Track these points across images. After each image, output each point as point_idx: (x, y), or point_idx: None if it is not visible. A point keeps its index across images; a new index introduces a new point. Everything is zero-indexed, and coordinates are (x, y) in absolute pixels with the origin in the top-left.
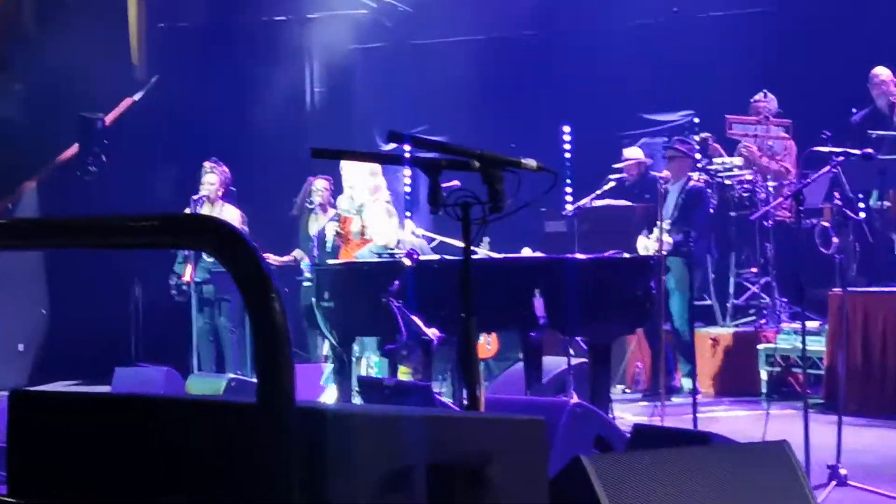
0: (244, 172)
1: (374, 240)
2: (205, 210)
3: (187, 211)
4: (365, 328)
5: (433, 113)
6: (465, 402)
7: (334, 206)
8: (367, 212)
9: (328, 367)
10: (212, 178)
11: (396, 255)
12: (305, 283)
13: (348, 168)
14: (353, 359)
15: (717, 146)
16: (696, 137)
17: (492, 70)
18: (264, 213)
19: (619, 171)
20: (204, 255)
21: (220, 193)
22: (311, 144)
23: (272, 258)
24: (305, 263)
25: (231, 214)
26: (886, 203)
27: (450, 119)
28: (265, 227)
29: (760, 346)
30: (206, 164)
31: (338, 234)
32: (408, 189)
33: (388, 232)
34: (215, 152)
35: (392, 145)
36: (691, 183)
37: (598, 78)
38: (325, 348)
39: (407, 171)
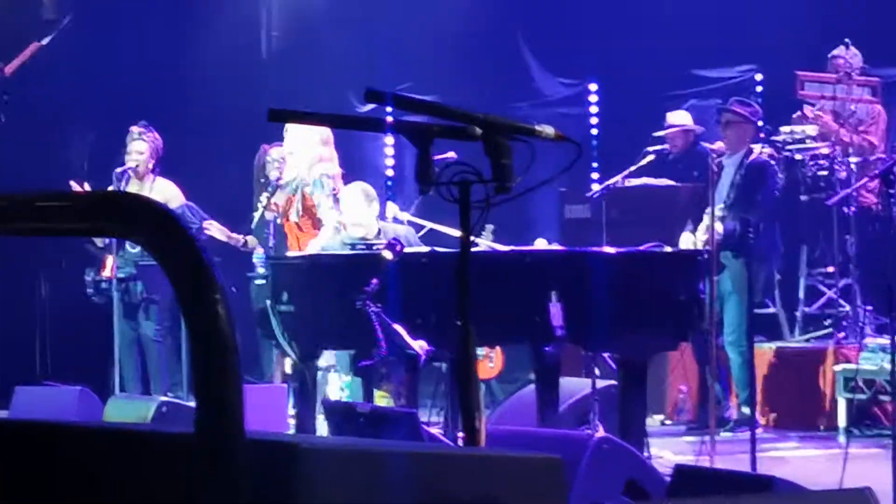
0: (182, 139)
1: (349, 229)
2: (132, 188)
3: (110, 189)
4: (334, 339)
5: (422, 66)
6: (461, 434)
7: None
8: (343, 196)
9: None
10: (140, 146)
11: (375, 247)
12: (258, 281)
13: (293, 133)
14: (319, 378)
15: (825, 117)
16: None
17: (497, 12)
18: (207, 190)
19: (661, 141)
20: (128, 245)
21: (150, 166)
22: (267, 104)
23: (216, 227)
24: (258, 255)
25: (166, 192)
26: None
27: (443, 75)
28: (209, 209)
29: (838, 367)
30: (134, 129)
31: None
32: (390, 163)
33: (366, 220)
34: (145, 114)
35: (370, 106)
36: (753, 157)
37: (634, 22)
38: (286, 364)
39: (389, 140)
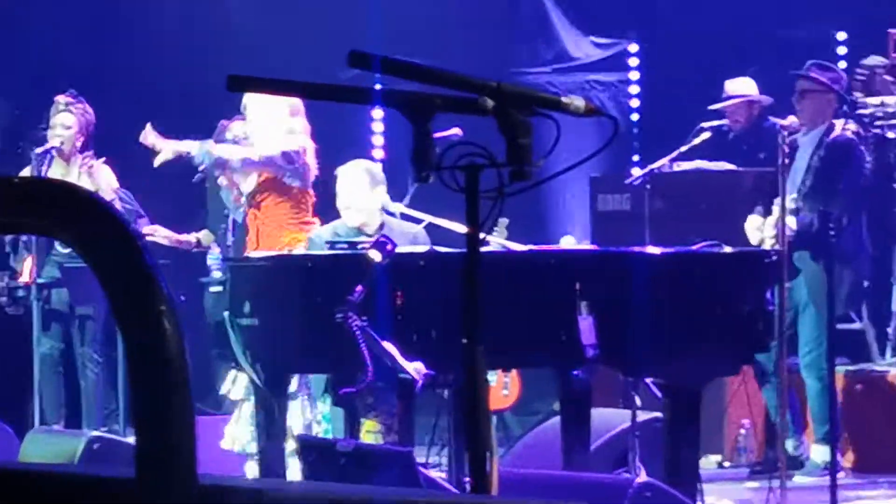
0: (119, 112)
1: (344, 216)
2: (56, 171)
3: (27, 171)
4: (308, 360)
5: (420, 23)
6: (468, 478)
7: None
8: (340, 174)
9: (243, 419)
10: (66, 118)
11: (360, 246)
12: (214, 288)
13: (255, 104)
14: (288, 407)
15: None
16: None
17: None
18: (149, 176)
19: (719, 115)
20: (58, 244)
21: (78, 144)
22: (227, 71)
23: (161, 233)
24: (214, 255)
25: (98, 177)
26: None
27: (447, 33)
28: (152, 199)
29: None
30: (60, 99)
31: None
32: (379, 141)
33: (366, 205)
34: (73, 82)
35: (355, 73)
36: (834, 134)
37: None
38: (242, 390)
39: (378, 114)
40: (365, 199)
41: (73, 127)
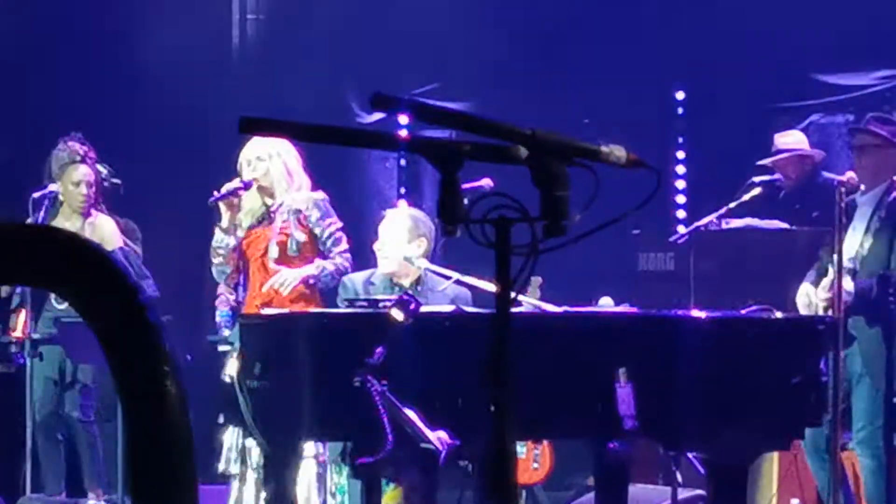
0: (125, 154)
1: (378, 262)
2: (57, 222)
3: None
4: (322, 427)
5: (447, 65)
6: None
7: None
8: (385, 218)
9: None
10: (85, 173)
11: (381, 304)
12: (223, 347)
13: (254, 146)
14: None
15: None
16: None
17: None
18: (157, 223)
19: (770, 170)
20: (53, 299)
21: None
22: (240, 111)
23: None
24: (222, 312)
25: (102, 231)
26: None
27: (476, 76)
28: (157, 256)
29: None
30: (73, 147)
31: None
32: (401, 191)
33: (398, 254)
34: (75, 121)
35: (377, 117)
36: None
37: (734, 14)
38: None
39: (401, 162)
40: (397, 248)
41: (92, 183)
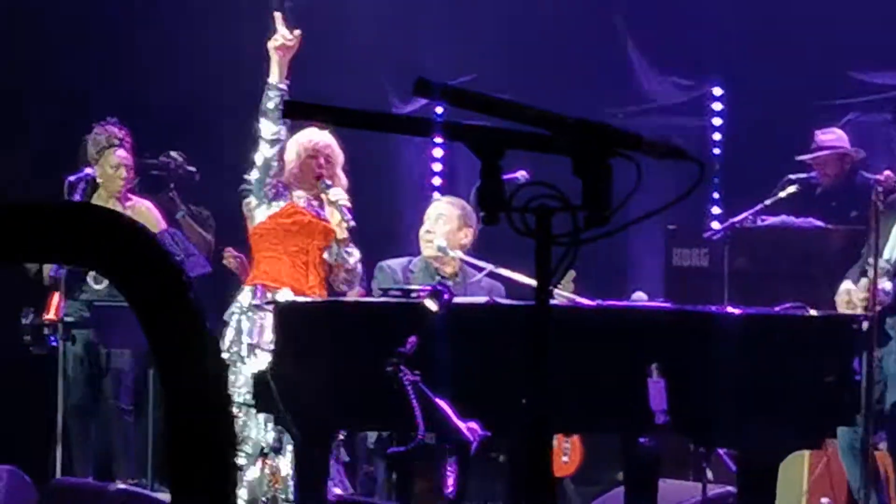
0: (160, 139)
1: (422, 246)
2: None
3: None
4: (354, 416)
5: (489, 54)
6: None
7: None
8: (432, 205)
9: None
10: (123, 156)
11: (414, 294)
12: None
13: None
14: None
15: None
16: None
17: None
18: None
19: (807, 167)
20: (91, 279)
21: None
22: (241, 97)
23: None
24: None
25: (142, 212)
26: None
27: (515, 65)
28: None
29: None
30: (110, 132)
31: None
32: (437, 181)
33: (441, 240)
34: (108, 107)
35: (416, 103)
36: None
37: (774, 7)
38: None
39: (438, 151)
40: (446, 234)
41: (130, 167)
